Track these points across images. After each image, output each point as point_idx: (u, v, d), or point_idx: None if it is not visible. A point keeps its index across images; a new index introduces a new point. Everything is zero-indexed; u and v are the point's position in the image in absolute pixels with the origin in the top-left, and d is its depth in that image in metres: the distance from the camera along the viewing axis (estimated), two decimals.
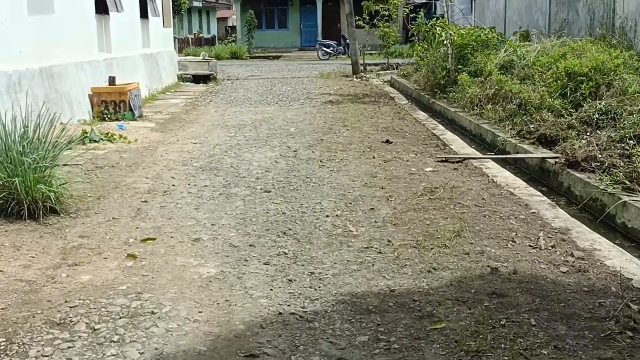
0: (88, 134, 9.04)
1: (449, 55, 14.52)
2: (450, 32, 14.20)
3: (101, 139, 9.13)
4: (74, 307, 3.64)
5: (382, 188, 6.11)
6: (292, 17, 38.96)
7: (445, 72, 14.60)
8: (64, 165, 6.14)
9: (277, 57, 32.07)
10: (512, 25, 18.63)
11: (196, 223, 5.23)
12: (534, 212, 5.35)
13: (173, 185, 6.60)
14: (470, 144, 9.74)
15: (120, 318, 3.52)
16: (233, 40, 37.92)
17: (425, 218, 5.15)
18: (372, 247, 4.57)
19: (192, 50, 30.07)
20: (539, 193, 6.15)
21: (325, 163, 7.55)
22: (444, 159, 7.68)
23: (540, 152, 7.88)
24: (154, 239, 4.85)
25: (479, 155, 8.00)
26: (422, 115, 12.03)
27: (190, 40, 35.22)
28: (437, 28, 14.46)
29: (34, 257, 4.49)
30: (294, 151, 8.39)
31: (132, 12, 15.17)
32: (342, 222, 5.12)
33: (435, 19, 19.08)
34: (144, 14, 16.39)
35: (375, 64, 25.06)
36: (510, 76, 12.17)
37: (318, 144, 8.87)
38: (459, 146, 8.61)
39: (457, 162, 7.57)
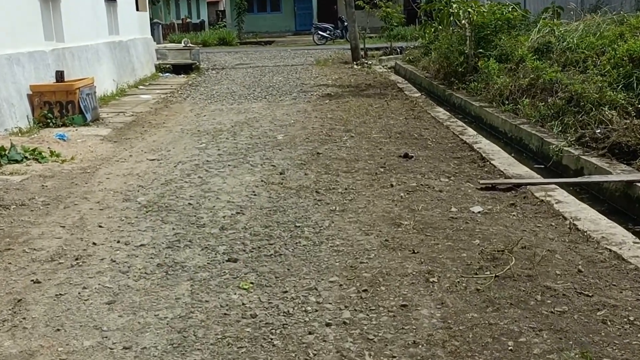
0: (7, 151, 6.79)
1: (468, 38, 12.22)
2: (469, 9, 11.89)
3: (25, 157, 6.87)
4: None
5: (414, 253, 3.87)
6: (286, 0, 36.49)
7: (462, 57, 12.32)
8: None
9: (270, 43, 29.66)
10: (535, 2, 16.30)
11: (95, 347, 2.98)
12: None
13: (94, 243, 4.37)
14: (508, 151, 7.52)
15: None
16: (224, 26, 35.48)
17: (503, 333, 2.91)
18: None
19: (178, 36, 27.68)
20: None
21: (323, 196, 5.31)
22: (490, 185, 5.45)
23: (622, 171, 5.66)
24: None
25: (538, 177, 5.75)
26: (441, 112, 9.76)
27: (176, 25, 32.78)
28: (454, 5, 12.14)
29: None
30: (280, 173, 6.16)
31: None
32: (357, 346, 2.88)
33: None
34: None
35: (377, 49, 22.71)
36: (548, 62, 9.90)
37: (313, 161, 6.62)
38: (504, 161, 6.37)
39: (510, 189, 5.35)
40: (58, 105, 9.39)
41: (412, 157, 6.59)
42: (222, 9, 46.44)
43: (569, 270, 3.57)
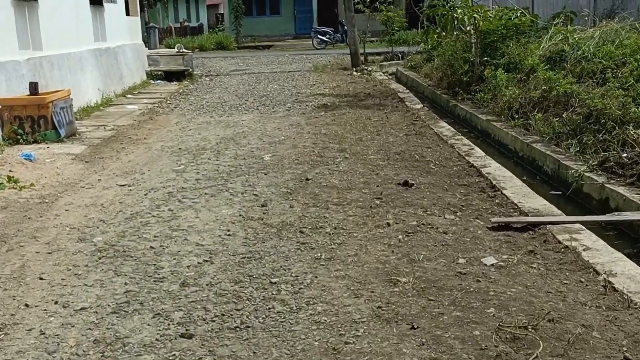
0: None
1: (473, 45, 11.46)
2: (475, 14, 11.13)
3: None
4: None
5: (413, 328, 3.08)
6: (285, 2, 35.64)
7: (467, 65, 11.56)
8: None
9: (268, 47, 28.90)
10: (543, 7, 15.53)
11: None
12: None
13: (26, 305, 3.60)
14: (520, 173, 6.75)
15: None
16: (223, 29, 34.73)
17: None
18: None
19: (174, 41, 26.94)
20: None
21: (308, 237, 4.54)
22: (503, 224, 4.68)
23: None
24: None
25: (559, 214, 4.97)
26: (445, 127, 8.97)
27: (173, 29, 32.03)
28: (458, 10, 11.37)
29: None
30: (262, 205, 5.39)
31: None
32: None
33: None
34: (95, 0, 13.30)
35: (377, 54, 21.93)
36: (561, 72, 9.13)
37: (301, 189, 5.85)
38: (517, 191, 5.58)
39: (526, 227, 4.58)
40: (29, 120, 8.64)
41: (413, 185, 5.82)
42: (222, 12, 45.73)
43: (613, 357, 2.79)
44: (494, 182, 5.85)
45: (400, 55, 21.32)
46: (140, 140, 8.93)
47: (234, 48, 28.58)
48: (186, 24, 37.24)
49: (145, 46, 20.13)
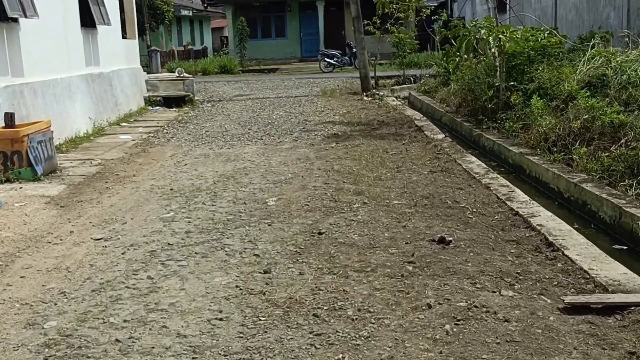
0: None
1: (498, 68, 10.42)
2: (501, 35, 10.10)
3: None
4: None
5: None
6: (291, 25, 34.84)
7: (492, 91, 10.49)
8: None
9: (274, 70, 27.98)
10: (568, 28, 14.52)
11: None
12: None
13: None
14: (570, 220, 5.65)
15: None
16: (227, 53, 33.91)
17: None
18: None
19: (177, 64, 26.05)
20: None
21: (325, 324, 3.44)
22: (578, 304, 3.57)
23: None
24: None
25: None
26: (474, 162, 7.88)
27: (176, 53, 31.22)
28: (482, 30, 10.35)
29: None
30: (265, 272, 4.30)
31: (63, 18, 11.14)
32: None
33: (459, 20, 15.10)
34: (87, 22, 12.37)
35: (388, 77, 20.95)
36: (605, 100, 8.08)
37: (313, 248, 4.76)
38: (583, 251, 4.47)
39: (609, 308, 3.47)
40: (1, 156, 7.62)
41: (451, 241, 4.73)
42: (227, 35, 45.07)
43: None
44: (549, 238, 4.75)
45: (412, 79, 20.35)
46: (128, 177, 7.88)
47: (239, 72, 27.67)
48: (190, 47, 36.44)
49: (146, 70, 19.28)
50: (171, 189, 7.06)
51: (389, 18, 18.42)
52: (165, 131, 11.98)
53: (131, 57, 15.86)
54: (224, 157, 8.97)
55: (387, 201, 6.01)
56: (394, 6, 17.59)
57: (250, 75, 26.91)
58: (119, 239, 5.28)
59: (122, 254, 4.88)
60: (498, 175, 7.01)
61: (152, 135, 11.53)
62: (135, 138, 11.23)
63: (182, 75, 17.68)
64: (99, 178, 7.92)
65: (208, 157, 9.11)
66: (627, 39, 10.18)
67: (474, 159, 8.11)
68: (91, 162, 8.99)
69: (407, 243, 4.77)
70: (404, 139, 9.89)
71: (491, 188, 6.42)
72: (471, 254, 4.50)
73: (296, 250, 4.72)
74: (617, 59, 8.70)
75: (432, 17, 19.65)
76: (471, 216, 5.45)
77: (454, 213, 5.56)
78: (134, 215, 6.01)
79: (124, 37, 15.53)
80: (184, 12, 37.59)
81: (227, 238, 5.14)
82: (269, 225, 5.44)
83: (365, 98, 16.23)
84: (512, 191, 6.28)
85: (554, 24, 15.07)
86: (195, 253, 4.79)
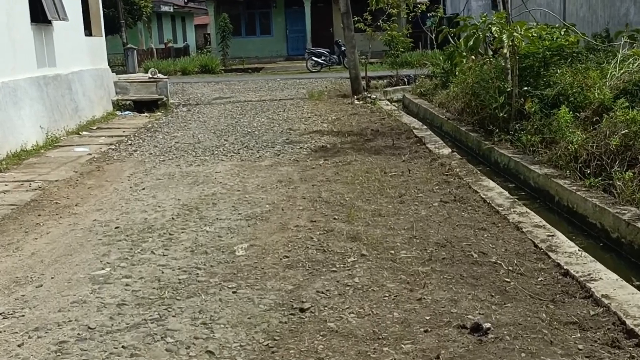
0: None
1: (509, 71, 9.02)
2: (515, 32, 8.68)
3: None
4: None
5: None
6: (277, 22, 33.26)
7: (503, 97, 9.07)
8: None
9: (258, 70, 26.43)
10: (578, 24, 13.13)
11: None
12: None
13: None
14: (613, 263, 4.26)
15: None
16: (210, 50, 32.31)
17: None
18: None
19: (155, 63, 24.46)
20: None
21: None
22: None
23: None
24: None
25: None
26: (495, 190, 6.39)
27: (155, 51, 29.59)
28: (493, 27, 8.92)
29: None
30: None
31: (7, 13, 9.58)
32: None
33: (455, 16, 13.71)
34: (38, 17, 10.81)
35: (380, 77, 19.51)
36: None
37: (291, 338, 3.30)
38: None
39: None
40: None
41: (489, 329, 3.30)
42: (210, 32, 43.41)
43: None
44: (628, 323, 3.33)
45: (405, 80, 18.95)
46: (69, 208, 6.39)
47: (221, 71, 26.10)
48: (170, 45, 34.80)
49: (122, 70, 17.69)
50: (116, 227, 5.58)
51: (381, 14, 17.01)
52: (129, 142, 10.47)
53: (97, 57, 14.29)
54: (191, 179, 7.50)
55: (392, 252, 4.56)
56: (387, 1, 16.14)
57: (232, 75, 25.36)
58: (23, 315, 3.80)
59: (18, 345, 3.40)
60: (528, 210, 5.57)
61: (114, 147, 10.02)
62: (93, 151, 9.72)
63: (155, 76, 16.15)
64: (32, 209, 6.42)
65: (173, 177, 7.63)
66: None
67: (492, 183, 6.67)
68: (30, 184, 7.48)
69: (426, 331, 3.33)
70: (403, 154, 8.45)
71: (523, 230, 4.99)
72: (522, 354, 3.07)
73: (267, 344, 3.27)
74: None
75: (428, 14, 18.23)
76: (508, 279, 4.02)
77: (484, 273, 4.12)
78: (57, 272, 4.52)
79: (88, 34, 13.98)
80: (165, 8, 35.91)
81: (173, 317, 3.67)
82: (233, 292, 3.98)
83: (356, 102, 14.77)
84: (552, 235, 4.85)
85: (561, 21, 13.68)
86: (123, 347, 3.32)
